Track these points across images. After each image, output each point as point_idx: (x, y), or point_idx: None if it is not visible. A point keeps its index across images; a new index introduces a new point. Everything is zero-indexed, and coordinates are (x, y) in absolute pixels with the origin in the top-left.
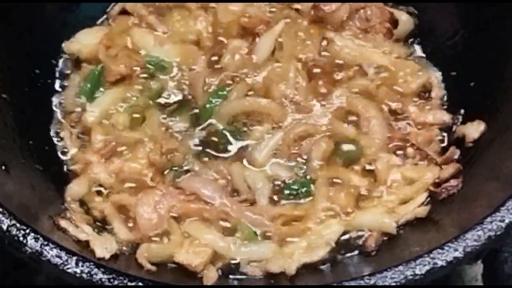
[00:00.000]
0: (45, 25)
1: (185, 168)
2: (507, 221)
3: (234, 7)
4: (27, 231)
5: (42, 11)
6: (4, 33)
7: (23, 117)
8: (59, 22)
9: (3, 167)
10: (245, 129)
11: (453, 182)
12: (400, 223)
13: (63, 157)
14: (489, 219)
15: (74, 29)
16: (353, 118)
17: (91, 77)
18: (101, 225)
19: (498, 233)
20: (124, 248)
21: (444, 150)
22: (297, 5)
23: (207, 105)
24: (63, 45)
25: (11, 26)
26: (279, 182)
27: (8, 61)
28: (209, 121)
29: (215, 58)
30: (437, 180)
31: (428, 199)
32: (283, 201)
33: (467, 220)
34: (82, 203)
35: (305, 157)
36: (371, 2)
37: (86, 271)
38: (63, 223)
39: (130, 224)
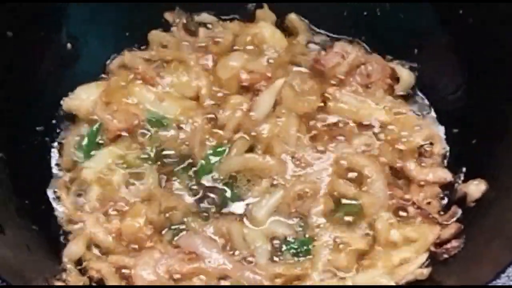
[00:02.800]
0: (43, 82)
1: (184, 226)
2: None
3: (234, 62)
4: None
5: (40, 66)
6: (1, 90)
7: (20, 175)
8: (57, 78)
9: None
10: (245, 186)
11: (454, 242)
12: (401, 284)
13: (60, 217)
14: None
15: (73, 84)
16: (354, 175)
17: (89, 134)
18: (97, 286)
19: None
20: None
21: (445, 209)
22: (298, 60)
23: (206, 162)
24: (61, 101)
25: (8, 83)
26: (278, 240)
27: (5, 118)
28: (208, 178)
29: (215, 114)
30: (438, 241)
31: (429, 259)
32: (282, 260)
33: (468, 283)
34: (79, 262)
35: (305, 215)
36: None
37: None
38: (58, 285)
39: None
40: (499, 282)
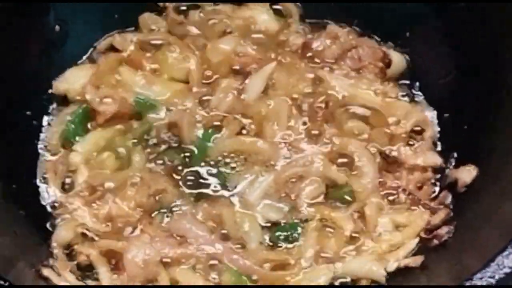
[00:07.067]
0: (31, 64)
1: (174, 209)
2: (497, 277)
3: (225, 45)
4: (6, 284)
5: (28, 49)
6: None
7: (7, 159)
8: (45, 61)
9: None
10: (236, 169)
11: (444, 228)
12: (390, 270)
13: (48, 201)
14: (479, 275)
15: (61, 67)
16: (345, 159)
17: (76, 117)
18: (85, 272)
19: None
20: None
21: (436, 194)
22: (289, 43)
23: (196, 145)
24: (51, 84)
25: None
26: (269, 224)
27: None
28: (199, 160)
29: (205, 97)
30: (428, 226)
31: (419, 246)
32: (273, 244)
33: (459, 270)
34: (67, 247)
35: (296, 199)
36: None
37: None
38: (45, 271)
39: (117, 269)
40: (488, 270)
